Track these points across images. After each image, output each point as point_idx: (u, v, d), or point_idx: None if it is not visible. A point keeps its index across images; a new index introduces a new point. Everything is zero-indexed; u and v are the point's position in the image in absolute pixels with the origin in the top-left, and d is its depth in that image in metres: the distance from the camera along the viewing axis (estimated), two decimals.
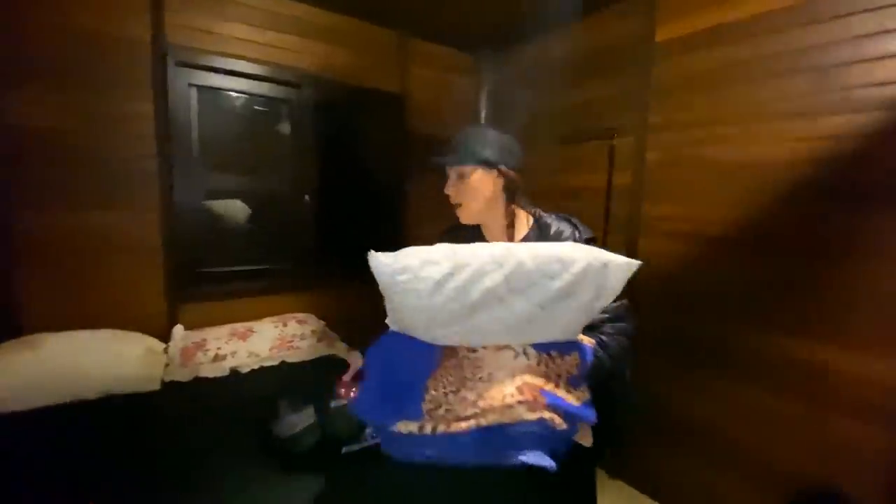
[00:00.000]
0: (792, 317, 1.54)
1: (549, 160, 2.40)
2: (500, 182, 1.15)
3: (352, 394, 1.21)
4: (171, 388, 1.63)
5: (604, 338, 0.98)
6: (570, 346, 0.88)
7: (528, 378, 0.82)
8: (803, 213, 1.52)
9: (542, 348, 0.86)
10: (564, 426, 0.80)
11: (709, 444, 1.76)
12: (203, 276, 2.04)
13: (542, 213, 1.19)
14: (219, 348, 1.82)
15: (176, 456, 1.22)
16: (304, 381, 1.68)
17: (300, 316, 2.10)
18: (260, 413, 1.32)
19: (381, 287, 0.86)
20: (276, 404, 1.27)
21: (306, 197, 2.26)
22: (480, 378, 0.83)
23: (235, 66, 2.04)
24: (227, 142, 2.09)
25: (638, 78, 2.00)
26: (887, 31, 1.35)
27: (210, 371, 1.74)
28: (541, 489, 0.89)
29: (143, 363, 1.65)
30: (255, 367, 1.78)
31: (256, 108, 2.15)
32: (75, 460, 1.19)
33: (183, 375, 1.69)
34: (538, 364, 0.84)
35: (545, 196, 2.38)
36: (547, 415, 0.79)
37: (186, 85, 1.96)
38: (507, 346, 0.86)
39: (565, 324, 0.86)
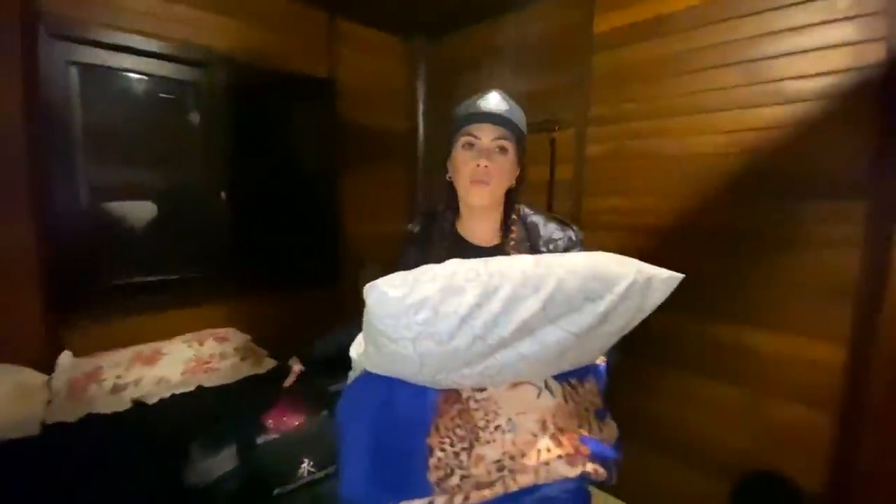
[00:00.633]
0: (731, 305, 1.58)
1: None
2: (517, 170, 0.98)
3: (284, 423, 1.05)
4: (54, 432, 1.34)
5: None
6: (584, 369, 0.73)
7: (561, 421, 0.65)
8: (739, 203, 1.56)
9: (561, 377, 0.71)
10: (605, 475, 0.65)
11: (654, 433, 1.77)
12: (96, 291, 1.72)
13: (527, 210, 1.04)
14: (118, 377, 1.54)
15: None
16: (226, 408, 1.46)
17: (220, 331, 1.84)
18: (171, 454, 1.10)
19: (375, 330, 0.64)
20: (188, 448, 1.05)
21: (222, 194, 1.98)
22: (499, 427, 0.65)
23: (130, 41, 1.72)
24: (123, 132, 1.77)
25: (578, 69, 1.96)
26: (812, 25, 1.39)
27: (107, 405, 1.46)
28: None
29: (13, 402, 1.34)
30: (166, 395, 1.52)
31: (158, 91, 1.84)
32: None
33: (71, 414, 1.39)
34: (566, 400, 0.68)
35: None
36: (590, 467, 0.63)
37: (64, 62, 1.62)
38: (524, 382, 0.68)
39: (595, 350, 0.71)
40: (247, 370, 1.70)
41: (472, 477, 0.62)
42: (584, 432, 0.66)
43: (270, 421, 1.03)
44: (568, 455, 0.62)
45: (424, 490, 0.62)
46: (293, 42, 2.17)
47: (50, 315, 1.61)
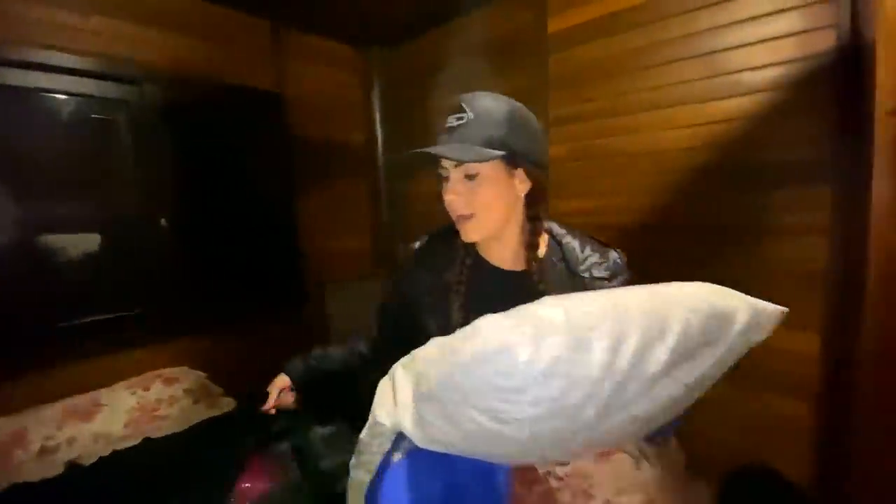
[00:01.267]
0: None
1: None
2: (525, 185, 0.84)
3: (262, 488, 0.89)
4: None
5: None
6: (669, 424, 0.58)
7: (669, 499, 0.52)
8: (706, 196, 1.55)
9: (649, 439, 0.56)
10: None
11: None
12: (17, 339, 1.51)
13: (558, 229, 0.92)
14: (48, 437, 1.34)
15: None
16: (178, 462, 1.29)
17: (167, 373, 1.66)
18: None
19: (472, 406, 0.46)
20: None
21: (162, 221, 1.81)
22: None
23: (47, 58, 1.54)
24: (42, 158, 1.58)
25: (535, 70, 1.93)
26: (764, 15, 1.39)
27: (35, 472, 1.26)
28: None
29: None
30: (106, 453, 1.34)
31: (87, 112, 1.66)
32: None
33: None
34: (663, 470, 0.55)
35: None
36: None
37: None
38: (616, 450, 0.55)
39: (691, 402, 0.57)
40: (201, 414, 1.53)
41: None
42: None
43: (246, 485, 0.87)
44: None
45: None
46: (235, 54, 2.03)
47: None
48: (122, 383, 1.58)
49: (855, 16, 1.18)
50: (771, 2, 1.37)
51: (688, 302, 0.51)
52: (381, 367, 0.80)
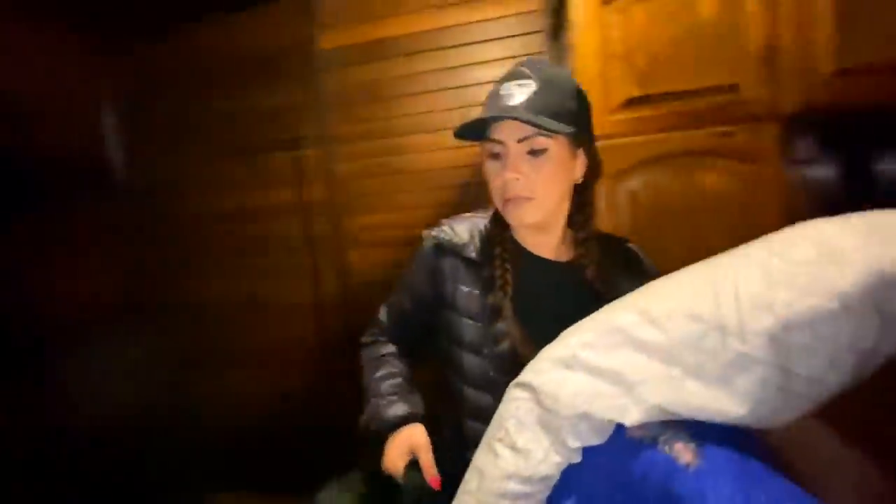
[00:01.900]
0: None
1: (221, 177, 2.02)
2: (583, 167, 0.79)
3: None
4: None
5: None
6: None
7: None
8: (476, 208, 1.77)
9: None
10: None
11: None
12: None
13: (601, 231, 0.90)
14: None
15: None
16: None
17: None
18: None
19: None
20: None
21: None
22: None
23: None
24: None
25: (311, 86, 1.88)
26: (505, 58, 1.68)
27: None
28: None
29: None
30: None
31: None
32: None
33: None
34: None
35: (232, 219, 1.98)
36: None
37: None
38: None
39: None
40: None
41: None
42: None
43: None
44: None
45: None
46: None
47: None
48: None
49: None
50: (509, 48, 1.67)
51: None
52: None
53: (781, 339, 0.48)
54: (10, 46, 1.72)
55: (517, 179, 0.72)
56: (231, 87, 1.95)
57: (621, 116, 1.28)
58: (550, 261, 0.83)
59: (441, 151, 1.76)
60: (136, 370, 1.95)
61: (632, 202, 1.31)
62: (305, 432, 1.93)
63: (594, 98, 1.28)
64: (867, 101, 1.10)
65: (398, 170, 1.84)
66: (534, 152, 0.72)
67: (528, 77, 0.72)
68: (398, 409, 0.83)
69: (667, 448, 0.51)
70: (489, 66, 1.70)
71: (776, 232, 0.57)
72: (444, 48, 1.74)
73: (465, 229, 0.86)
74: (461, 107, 1.73)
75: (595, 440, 0.56)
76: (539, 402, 0.58)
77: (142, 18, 1.92)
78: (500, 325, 0.78)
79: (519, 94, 0.70)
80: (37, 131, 1.80)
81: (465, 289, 0.83)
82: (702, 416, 0.52)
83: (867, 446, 0.55)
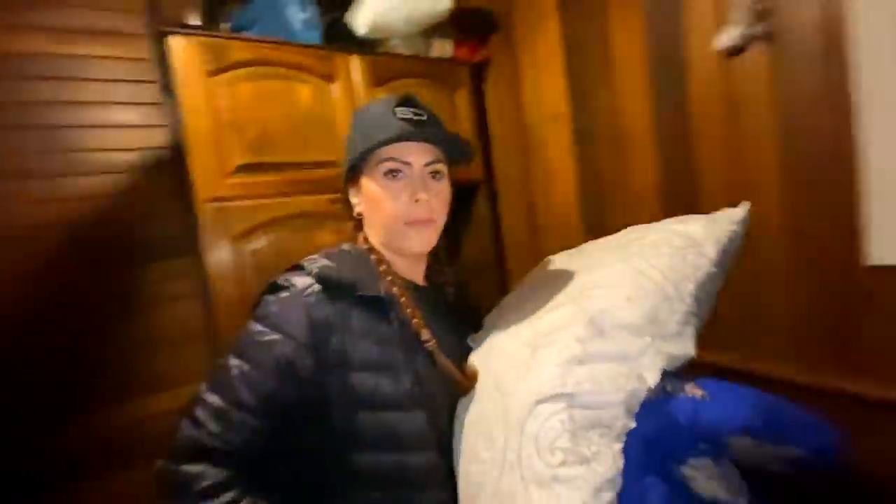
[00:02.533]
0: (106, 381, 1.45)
1: None
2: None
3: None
4: None
5: None
6: None
7: None
8: (84, 272, 1.45)
9: None
10: None
11: None
12: None
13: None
14: None
15: None
16: None
17: None
18: None
19: None
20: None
21: None
22: None
23: None
24: None
25: None
26: (118, 103, 1.50)
27: None
28: None
29: None
30: None
31: None
32: None
33: None
34: None
35: None
36: None
37: None
38: None
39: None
40: None
41: None
42: None
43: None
44: None
45: None
46: None
47: None
48: None
49: (177, 122, 1.46)
50: (116, 94, 1.49)
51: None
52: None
53: (696, 295, 0.69)
54: None
55: (427, 201, 0.70)
56: None
57: (237, 180, 1.31)
58: (424, 287, 0.82)
59: (17, 205, 1.37)
60: None
61: (256, 260, 1.35)
62: None
63: (209, 160, 1.32)
64: None
65: None
66: (436, 174, 0.73)
67: (415, 100, 0.73)
68: None
69: (681, 392, 0.65)
70: (97, 108, 1.47)
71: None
72: (32, 78, 1.40)
73: (345, 262, 0.71)
74: (64, 151, 1.43)
75: (634, 415, 0.61)
76: (581, 406, 0.57)
77: None
78: (428, 369, 0.68)
79: (421, 116, 0.71)
80: None
81: (362, 338, 0.66)
82: (673, 365, 0.64)
83: None
